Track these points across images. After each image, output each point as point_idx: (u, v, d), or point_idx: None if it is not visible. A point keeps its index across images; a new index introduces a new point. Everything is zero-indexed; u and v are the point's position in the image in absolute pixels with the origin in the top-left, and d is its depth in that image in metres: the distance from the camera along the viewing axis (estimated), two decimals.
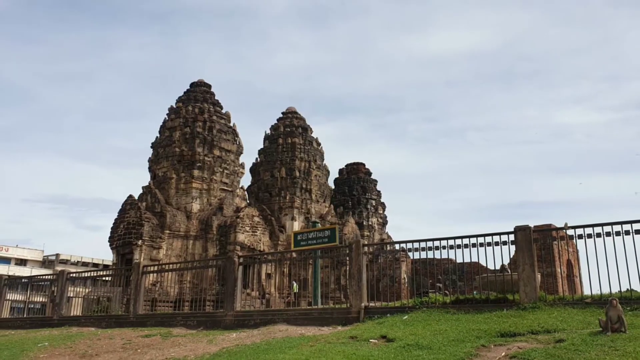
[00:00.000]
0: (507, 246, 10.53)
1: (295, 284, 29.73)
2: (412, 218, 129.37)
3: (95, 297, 20.92)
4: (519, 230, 10.48)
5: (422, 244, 11.41)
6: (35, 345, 12.62)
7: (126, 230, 30.18)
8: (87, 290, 23.66)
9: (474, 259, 10.95)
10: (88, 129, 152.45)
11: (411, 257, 14.41)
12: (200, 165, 33.13)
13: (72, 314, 18.33)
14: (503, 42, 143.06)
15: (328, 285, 30.80)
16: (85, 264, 66.08)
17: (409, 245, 11.79)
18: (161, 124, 35.53)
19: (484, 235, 10.72)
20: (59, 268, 48.52)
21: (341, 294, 30.66)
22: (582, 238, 9.82)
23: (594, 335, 7.35)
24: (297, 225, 36.11)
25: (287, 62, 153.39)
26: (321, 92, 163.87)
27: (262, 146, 40.62)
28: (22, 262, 64.46)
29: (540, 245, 10.97)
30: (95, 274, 20.23)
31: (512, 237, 10.54)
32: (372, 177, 48.49)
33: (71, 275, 18.46)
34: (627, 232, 9.43)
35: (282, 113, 41.61)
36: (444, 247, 11.18)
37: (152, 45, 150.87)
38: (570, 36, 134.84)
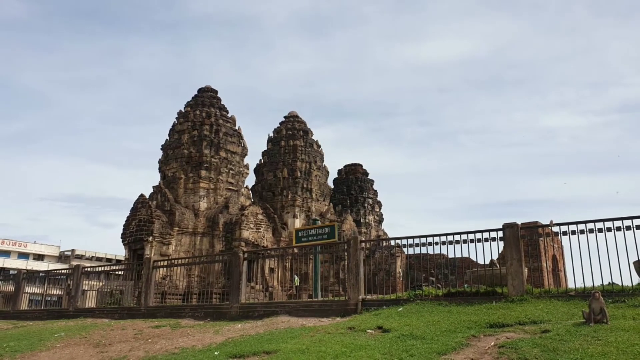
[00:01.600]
0: (496, 242, 10.55)
1: (296, 278, 29.72)
2: (406, 216, 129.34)
3: (108, 290, 20.91)
4: (507, 227, 10.48)
5: (416, 240, 11.41)
6: (52, 335, 12.62)
7: (138, 227, 30.20)
8: (100, 283, 23.64)
9: (465, 254, 10.96)
10: (102, 132, 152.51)
11: (406, 253, 14.44)
12: (207, 166, 33.12)
13: (86, 306, 18.31)
14: (492, 51, 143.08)
15: (328, 279, 30.82)
16: (99, 259, 66.05)
17: (404, 242, 11.81)
18: (171, 127, 35.53)
19: (474, 232, 10.73)
20: (74, 263, 48.44)
21: (340, 287, 30.63)
22: (566, 235, 9.84)
23: (577, 326, 7.35)
24: (298, 223, 36.10)
25: (289, 69, 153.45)
26: (321, 97, 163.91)
27: (265, 148, 40.63)
28: (39, 257, 64.43)
29: (527, 241, 10.97)
30: (108, 269, 20.26)
31: (500, 233, 10.55)
32: (369, 177, 48.48)
33: (86, 269, 18.46)
34: (609, 229, 9.44)
35: (284, 117, 41.63)
36: (436, 243, 11.18)
37: (163, 54, 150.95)
38: (556, 44, 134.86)
